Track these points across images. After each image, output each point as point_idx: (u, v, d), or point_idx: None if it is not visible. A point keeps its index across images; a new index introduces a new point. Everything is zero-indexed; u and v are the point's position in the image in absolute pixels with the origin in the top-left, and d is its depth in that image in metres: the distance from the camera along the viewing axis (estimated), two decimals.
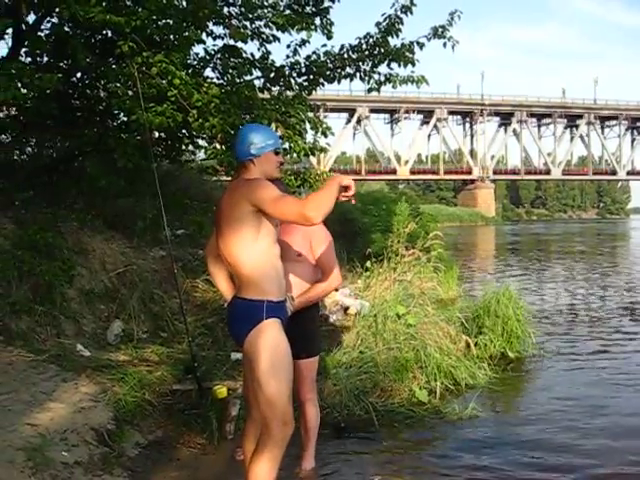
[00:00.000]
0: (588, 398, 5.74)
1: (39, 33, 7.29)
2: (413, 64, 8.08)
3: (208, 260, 3.38)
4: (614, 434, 4.82)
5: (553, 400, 5.69)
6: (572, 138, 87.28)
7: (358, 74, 8.28)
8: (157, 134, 8.08)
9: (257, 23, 8.12)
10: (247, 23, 8.09)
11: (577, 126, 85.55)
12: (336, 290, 8.13)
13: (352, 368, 5.69)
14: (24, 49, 7.30)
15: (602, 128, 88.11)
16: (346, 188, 2.93)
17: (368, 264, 8.11)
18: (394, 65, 8.19)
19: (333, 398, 5.25)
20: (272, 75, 8.27)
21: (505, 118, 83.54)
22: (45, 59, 7.52)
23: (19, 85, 6.13)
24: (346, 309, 7.55)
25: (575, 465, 4.25)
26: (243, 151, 3.08)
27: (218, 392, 4.46)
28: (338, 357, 5.94)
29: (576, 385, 6.18)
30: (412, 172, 79.39)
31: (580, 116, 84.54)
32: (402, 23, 8.06)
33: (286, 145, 7.76)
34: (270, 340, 2.95)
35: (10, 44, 7.51)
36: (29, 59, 7.33)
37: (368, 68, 8.25)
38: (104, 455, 4.10)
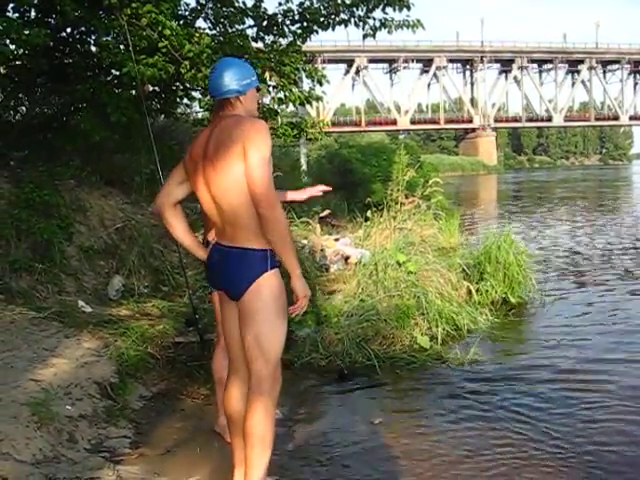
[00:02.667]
0: (590, 341, 5.74)
1: None
2: (408, 8, 7.94)
3: (164, 210, 2.97)
4: (617, 374, 4.84)
5: (555, 344, 5.69)
6: (574, 84, 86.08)
7: (353, 20, 8.13)
8: (151, 88, 7.98)
9: None
10: None
11: (579, 71, 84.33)
12: (336, 240, 8.14)
13: (353, 316, 5.70)
14: (11, 4, 7.15)
15: (604, 73, 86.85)
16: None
17: (368, 214, 8.07)
18: (389, 10, 8.04)
19: (335, 346, 5.28)
20: (265, 24, 8.13)
21: (505, 65, 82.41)
22: (33, 14, 7.37)
23: (7, 42, 6.02)
24: (347, 258, 7.55)
25: (576, 406, 4.28)
26: (226, 87, 2.82)
27: None
28: (339, 306, 5.95)
29: (578, 329, 6.17)
30: (412, 122, 78.68)
31: (582, 61, 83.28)
32: None
33: (281, 94, 7.67)
34: (276, 292, 2.79)
35: None
36: (16, 14, 7.18)
37: (362, 13, 8.10)
38: (108, 408, 4.14)
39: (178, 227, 3.03)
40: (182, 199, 3.01)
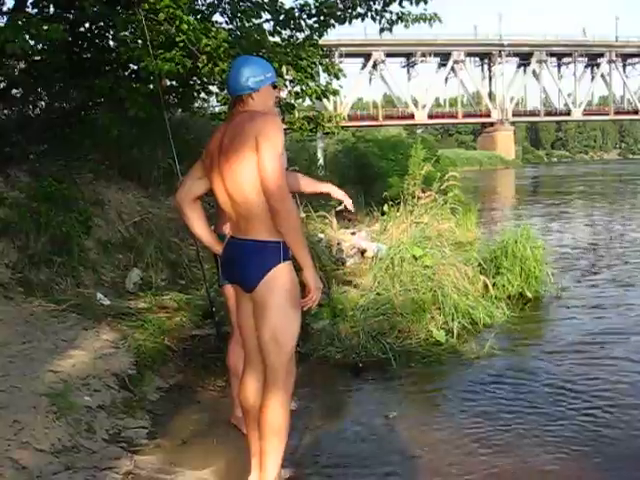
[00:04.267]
0: (607, 336, 5.69)
1: None
2: (425, 2, 7.93)
3: (183, 205, 3.05)
4: (634, 371, 4.80)
5: (571, 339, 5.67)
6: (593, 77, 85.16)
7: (369, 14, 8.12)
8: (168, 83, 8.02)
9: None
10: None
11: (598, 65, 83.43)
12: (353, 234, 8.14)
13: (369, 310, 5.70)
14: (31, 0, 7.21)
15: (624, 66, 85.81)
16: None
17: (385, 208, 8.06)
18: (406, 4, 8.03)
19: (351, 340, 5.29)
20: (282, 18, 8.13)
21: (524, 59, 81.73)
22: (52, 10, 7.44)
23: (27, 37, 6.07)
24: (363, 252, 7.54)
25: (592, 402, 4.25)
26: (240, 84, 2.87)
27: None
28: (355, 299, 5.95)
29: (594, 324, 6.13)
30: (430, 116, 78.32)
31: (601, 54, 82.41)
32: None
33: (298, 88, 7.69)
34: (289, 284, 2.82)
35: None
36: (36, 10, 7.25)
37: (379, 7, 8.10)
38: (126, 399, 4.19)
39: (197, 222, 3.11)
40: (201, 194, 3.07)
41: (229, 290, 3.49)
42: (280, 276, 2.81)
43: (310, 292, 2.82)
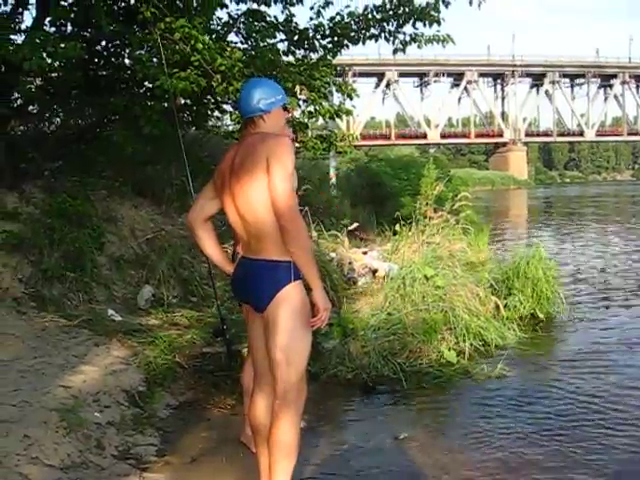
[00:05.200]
0: (619, 362, 5.64)
1: (62, 2, 7.28)
2: (439, 23, 7.95)
3: (195, 226, 3.09)
4: None
5: (583, 360, 5.63)
6: (606, 98, 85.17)
7: (383, 35, 8.17)
8: (182, 101, 8.09)
9: None
10: None
11: (611, 86, 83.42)
12: (365, 253, 8.14)
13: (380, 330, 5.70)
14: (48, 18, 7.30)
15: (637, 87, 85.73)
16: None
17: (397, 227, 8.07)
18: (419, 25, 8.07)
19: (361, 359, 5.27)
20: (296, 38, 8.19)
21: (537, 79, 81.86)
22: (69, 28, 7.53)
23: (44, 55, 6.14)
24: (374, 272, 7.54)
25: (603, 425, 4.21)
26: (251, 106, 2.91)
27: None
28: (366, 319, 5.95)
29: (606, 347, 6.08)
30: (442, 136, 78.48)
31: (614, 75, 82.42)
32: None
33: (311, 108, 7.73)
34: (300, 303, 2.83)
35: (34, 14, 7.52)
36: (53, 28, 7.34)
37: (393, 28, 8.13)
38: (136, 416, 4.19)
39: (208, 242, 3.15)
40: (213, 215, 3.11)
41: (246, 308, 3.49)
42: (291, 296, 2.82)
43: (319, 312, 2.83)
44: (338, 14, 8.21)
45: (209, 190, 3.07)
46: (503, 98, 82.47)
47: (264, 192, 2.75)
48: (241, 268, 2.99)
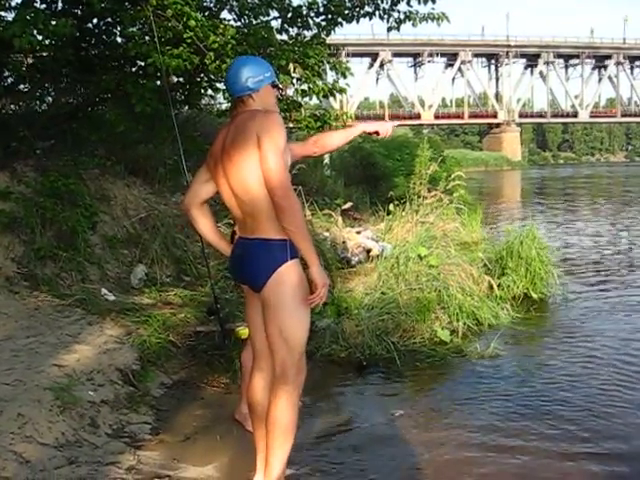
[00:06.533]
0: (612, 339, 5.67)
1: None
2: (433, 1, 7.90)
3: (192, 210, 3.06)
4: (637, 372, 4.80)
5: (576, 340, 5.66)
6: (600, 79, 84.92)
7: (377, 12, 8.09)
8: (175, 79, 8.01)
9: None
10: None
11: (606, 67, 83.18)
12: (358, 233, 8.13)
13: (374, 309, 5.70)
14: None
15: (632, 68, 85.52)
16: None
17: (391, 207, 8.06)
18: (414, 3, 8.00)
19: (355, 338, 5.29)
20: (289, 16, 8.10)
21: (531, 60, 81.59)
22: (60, 5, 7.43)
23: (34, 32, 6.06)
24: (368, 251, 7.54)
25: (597, 401, 4.26)
26: (239, 86, 2.87)
27: (240, 333, 4.47)
28: (360, 298, 5.95)
29: (599, 326, 6.12)
30: (436, 116, 78.28)
31: (609, 56, 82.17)
32: None
33: (305, 86, 7.68)
34: (297, 281, 2.81)
35: None
36: (44, 5, 7.24)
37: (387, 6, 8.05)
38: (130, 394, 4.20)
39: (205, 225, 3.13)
40: (208, 198, 3.08)
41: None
42: (288, 274, 2.80)
43: (317, 289, 2.81)
44: None
45: (203, 173, 3.05)
46: (497, 79, 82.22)
47: (256, 169, 2.73)
48: (238, 248, 2.97)
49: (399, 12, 8.13)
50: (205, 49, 6.61)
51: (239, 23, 8.06)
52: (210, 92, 9.12)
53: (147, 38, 6.80)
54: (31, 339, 4.53)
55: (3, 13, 6.51)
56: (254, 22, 7.94)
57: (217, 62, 6.66)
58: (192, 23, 6.40)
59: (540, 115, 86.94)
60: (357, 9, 8.11)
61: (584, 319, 6.36)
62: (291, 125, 8.62)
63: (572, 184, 35.20)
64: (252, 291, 2.94)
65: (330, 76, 8.51)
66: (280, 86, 3.12)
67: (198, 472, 3.37)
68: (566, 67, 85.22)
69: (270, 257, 2.81)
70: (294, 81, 7.80)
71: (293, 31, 8.31)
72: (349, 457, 3.59)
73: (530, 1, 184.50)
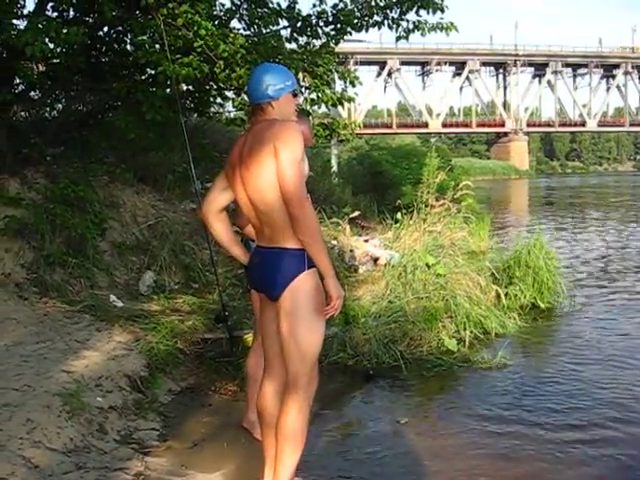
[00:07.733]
0: (619, 350, 5.64)
1: None
2: (442, 10, 7.93)
3: (209, 218, 3.05)
4: None
5: (583, 350, 5.65)
6: (608, 88, 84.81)
7: (386, 22, 8.14)
8: (185, 87, 8.07)
9: None
10: None
11: (614, 76, 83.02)
12: (366, 241, 8.15)
13: (381, 317, 5.71)
14: (50, 3, 7.28)
15: None
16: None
17: (398, 216, 8.06)
18: (423, 12, 8.04)
19: (362, 346, 5.29)
20: (299, 25, 8.16)
21: (539, 69, 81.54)
22: (72, 13, 7.50)
23: (46, 40, 6.12)
24: (376, 260, 7.56)
25: (605, 413, 4.23)
26: (259, 93, 2.85)
27: (248, 340, 4.52)
28: (367, 307, 5.97)
29: (607, 336, 6.08)
30: (444, 125, 78.26)
31: (617, 66, 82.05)
32: None
33: (314, 95, 7.72)
34: (313, 291, 2.81)
35: None
36: (55, 14, 7.31)
37: (396, 16, 8.10)
38: (138, 401, 4.21)
39: (224, 233, 3.11)
40: (227, 205, 3.07)
41: (255, 295, 3.47)
42: (304, 284, 2.80)
43: (332, 301, 2.82)
44: (341, 1, 8.19)
45: (221, 181, 3.03)
46: (505, 88, 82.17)
47: (273, 178, 2.71)
48: (256, 257, 2.97)
49: (408, 22, 8.18)
50: (215, 58, 6.67)
51: (249, 32, 8.13)
52: (219, 100, 9.18)
53: (157, 46, 6.87)
54: (40, 345, 4.56)
55: (15, 21, 6.56)
56: (264, 31, 8.00)
57: (227, 71, 6.72)
58: (202, 32, 6.47)
59: (548, 124, 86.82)
60: (366, 18, 8.16)
61: (591, 329, 6.33)
62: None
63: (580, 193, 35.09)
64: (268, 300, 2.93)
65: (339, 85, 8.55)
66: (298, 95, 3.10)
67: (205, 479, 3.38)
68: (574, 76, 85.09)
69: (287, 267, 2.81)
70: (303, 90, 7.84)
71: (302, 40, 8.37)
72: (355, 465, 3.59)
73: (538, 10, 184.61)
